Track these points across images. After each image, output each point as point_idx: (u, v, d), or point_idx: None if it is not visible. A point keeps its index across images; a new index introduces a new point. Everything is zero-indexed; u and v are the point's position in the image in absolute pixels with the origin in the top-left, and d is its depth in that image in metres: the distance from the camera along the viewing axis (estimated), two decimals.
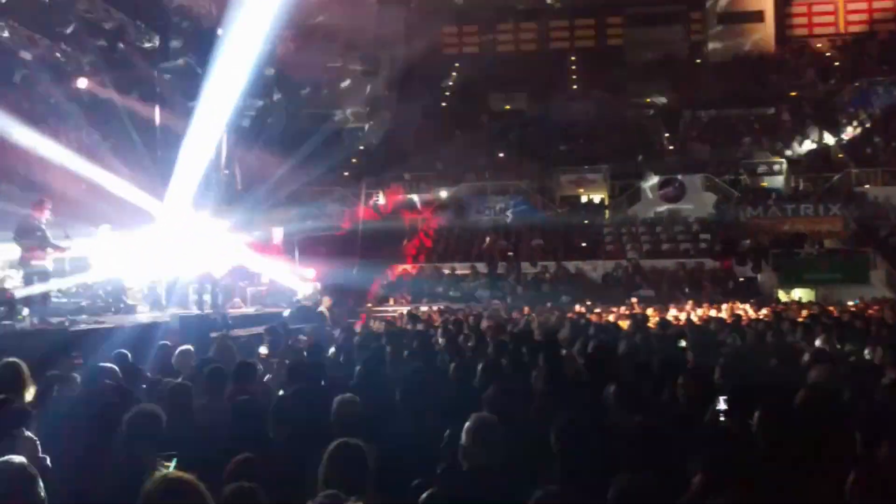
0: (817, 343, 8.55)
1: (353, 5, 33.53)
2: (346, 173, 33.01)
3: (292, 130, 33.80)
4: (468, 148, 34.71)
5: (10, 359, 5.38)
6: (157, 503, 2.74)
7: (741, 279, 23.80)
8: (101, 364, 6.64)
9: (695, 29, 40.45)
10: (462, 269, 25.29)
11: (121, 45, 16.91)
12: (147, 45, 17.76)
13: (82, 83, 17.69)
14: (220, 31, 18.99)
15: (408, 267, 25.84)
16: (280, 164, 27.26)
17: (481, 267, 25.35)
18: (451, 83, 40.40)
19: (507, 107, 37.82)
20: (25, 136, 14.18)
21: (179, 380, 6.25)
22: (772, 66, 36.16)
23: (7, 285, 11.59)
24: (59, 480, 3.87)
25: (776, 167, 30.29)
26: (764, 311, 15.84)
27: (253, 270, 17.25)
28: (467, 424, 3.89)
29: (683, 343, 8.86)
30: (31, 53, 16.29)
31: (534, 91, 37.36)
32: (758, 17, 38.13)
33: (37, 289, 11.00)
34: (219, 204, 18.95)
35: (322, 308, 15.72)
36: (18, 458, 3.21)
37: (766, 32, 38.04)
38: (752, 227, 26.49)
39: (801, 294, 22.15)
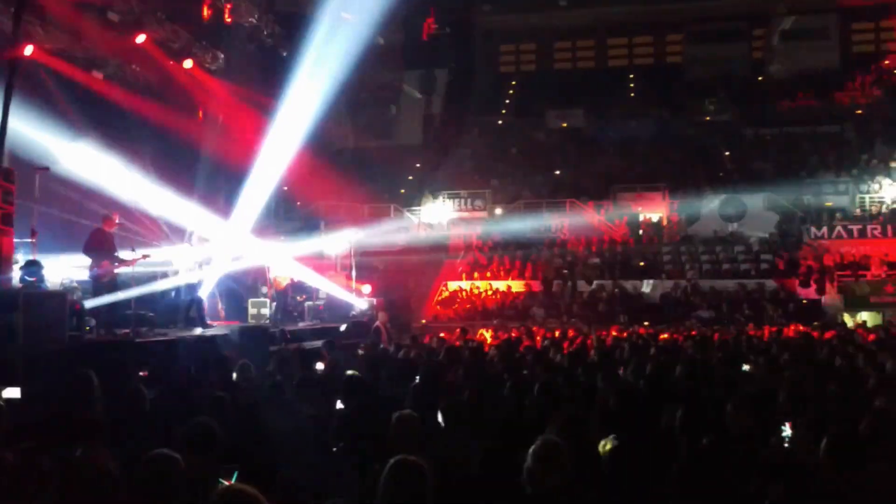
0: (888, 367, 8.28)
1: (411, 25, 33.89)
2: (403, 190, 33.28)
3: (352, 147, 34.37)
4: (524, 165, 34.72)
5: (82, 370, 5.56)
6: None
7: (804, 301, 23.20)
8: (168, 377, 6.80)
9: (757, 46, 39.80)
10: (517, 287, 25.21)
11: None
12: (212, 66, 18.24)
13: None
14: (283, 53, 19.48)
15: (462, 284, 25.86)
16: (339, 180, 27.65)
17: (536, 285, 25.24)
18: (507, 101, 40.47)
19: (564, 124, 37.69)
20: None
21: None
22: (837, 84, 35.32)
23: (76, 297, 11.97)
24: (127, 491, 3.95)
25: (841, 186, 29.51)
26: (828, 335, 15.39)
27: (310, 286, 17.49)
28: (533, 447, 3.85)
29: (747, 367, 8.66)
30: (102, 73, 16.84)
31: (591, 108, 37.17)
32: (822, 33, 37.34)
33: (104, 300, 11.33)
34: (278, 220, 19.32)
35: (378, 324, 15.85)
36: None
37: (830, 49, 37.22)
38: (816, 247, 25.82)
39: (866, 318, 21.48)
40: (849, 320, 21.09)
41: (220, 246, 14.92)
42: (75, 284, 12.38)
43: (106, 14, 15.75)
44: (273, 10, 20.43)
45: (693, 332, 14.28)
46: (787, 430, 4.63)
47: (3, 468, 4.14)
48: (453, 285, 25.78)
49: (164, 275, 13.22)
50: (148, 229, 14.85)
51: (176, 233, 14.54)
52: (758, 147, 33.90)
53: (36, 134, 12.87)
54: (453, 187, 32.00)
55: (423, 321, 22.54)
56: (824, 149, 32.11)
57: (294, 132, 17.82)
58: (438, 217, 30.83)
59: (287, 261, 16.95)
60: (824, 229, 26.60)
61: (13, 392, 6.51)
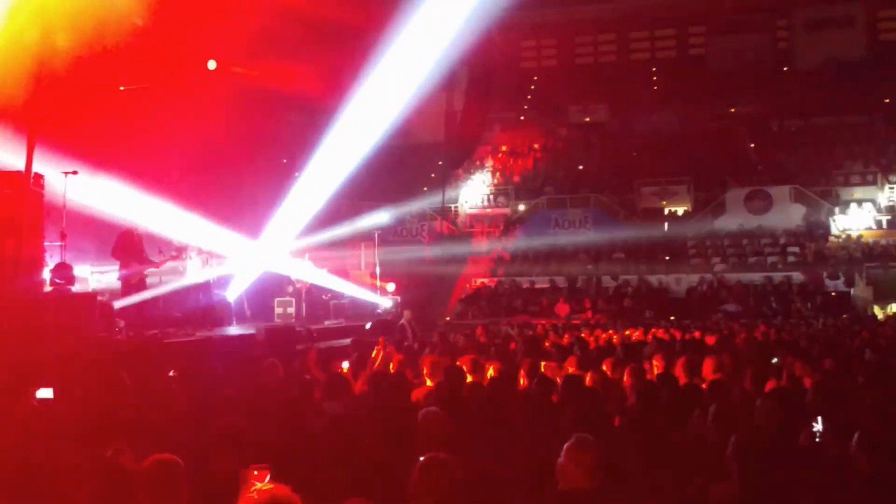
0: None
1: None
2: (425, 188, 33.29)
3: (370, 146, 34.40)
4: (548, 161, 34.62)
5: (116, 371, 5.63)
6: None
7: (832, 293, 22.92)
8: (196, 377, 6.86)
9: (781, 36, 39.34)
10: (541, 283, 25.15)
11: None
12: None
13: None
14: None
15: (486, 280, 25.84)
16: (362, 178, 27.71)
17: (560, 281, 25.15)
18: (529, 96, 40.33)
19: (587, 119, 37.51)
20: None
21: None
22: (864, 73, 34.80)
23: (105, 297, 12.13)
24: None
25: (869, 177, 29.12)
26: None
27: (334, 286, 17.59)
28: (566, 444, 3.84)
29: (775, 360, 8.57)
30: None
31: (614, 103, 36.97)
32: (848, 21, 36.81)
33: (132, 300, 11.47)
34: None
35: (403, 321, 15.87)
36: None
37: (856, 38, 36.68)
38: (844, 239, 25.51)
39: None
40: (879, 312, 20.83)
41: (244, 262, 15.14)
42: (104, 286, 12.54)
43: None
44: None
45: (725, 332, 14.06)
46: (818, 426, 4.59)
47: (36, 467, 4.21)
48: (477, 282, 25.78)
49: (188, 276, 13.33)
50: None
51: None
52: (784, 139, 33.53)
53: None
54: (476, 184, 31.99)
55: (447, 318, 22.57)
56: (851, 139, 31.67)
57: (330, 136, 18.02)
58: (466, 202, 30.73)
59: (308, 268, 17.09)
60: (853, 220, 26.27)
61: (46, 392, 6.60)
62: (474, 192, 31.76)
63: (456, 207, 31.14)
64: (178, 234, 14.14)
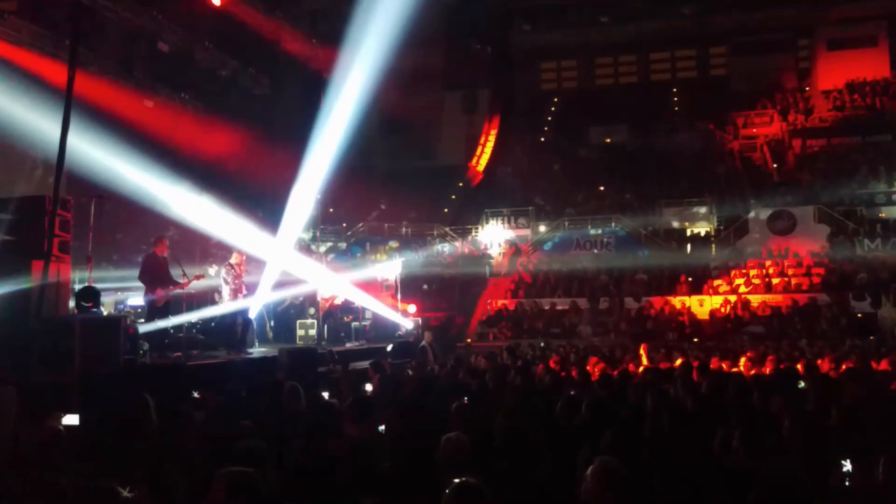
0: None
1: (453, 45, 34.16)
2: (446, 210, 33.40)
3: (393, 169, 34.64)
4: (568, 182, 34.60)
5: (139, 394, 5.68)
6: None
7: (858, 315, 22.60)
8: (220, 400, 6.89)
9: (802, 56, 39.23)
10: (562, 305, 25.04)
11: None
12: (258, 91, 18.62)
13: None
14: (325, 76, 19.78)
15: (506, 302, 25.78)
16: (382, 201, 27.89)
17: (582, 302, 25.03)
18: (549, 118, 40.45)
19: (608, 140, 37.52)
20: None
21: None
22: (886, 93, 34.58)
23: (129, 321, 12.25)
24: None
25: (894, 196, 28.81)
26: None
27: (356, 306, 17.62)
28: (592, 467, 3.83)
29: (803, 384, 8.44)
30: (152, 102, 17.34)
31: (635, 123, 36.96)
32: (870, 41, 36.66)
33: (157, 324, 11.57)
34: (321, 240, 19.52)
35: (424, 343, 15.88)
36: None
37: (879, 58, 36.48)
38: (870, 260, 25.20)
39: None
40: None
41: (270, 268, 15.15)
42: (129, 309, 12.66)
43: (156, 43, 16.24)
44: (315, 31, 20.80)
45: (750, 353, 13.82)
46: (847, 466, 4.47)
47: (58, 494, 4.24)
48: (498, 303, 25.72)
49: (213, 300, 13.43)
50: (198, 249, 15.14)
51: (224, 254, 14.82)
52: (806, 158, 33.31)
53: (90, 161, 13.26)
54: (496, 206, 32.05)
55: (468, 340, 22.51)
56: (875, 159, 31.39)
57: (336, 154, 18.05)
58: (490, 238, 30.73)
59: (337, 281, 17.11)
60: (878, 240, 25.96)
61: (72, 419, 6.67)
62: (495, 213, 31.79)
63: (476, 228, 31.16)
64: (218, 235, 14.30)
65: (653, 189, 32.03)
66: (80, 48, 13.19)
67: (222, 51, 17.28)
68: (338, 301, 16.60)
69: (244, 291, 13.01)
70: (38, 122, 13.09)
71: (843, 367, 10.34)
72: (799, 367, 10.24)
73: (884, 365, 10.57)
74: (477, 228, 31.14)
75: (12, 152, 15.05)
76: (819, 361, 11.25)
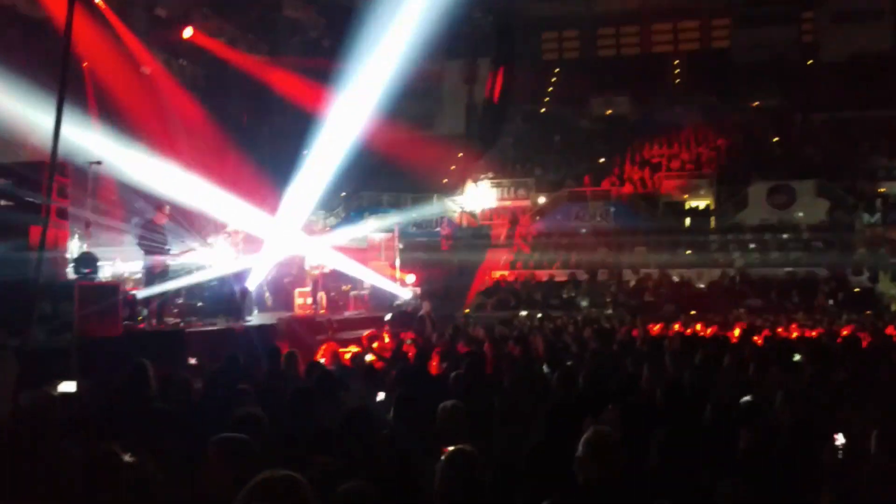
0: None
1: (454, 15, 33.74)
2: (446, 180, 33.26)
3: (392, 138, 34.40)
4: (568, 153, 34.46)
5: (139, 360, 5.69)
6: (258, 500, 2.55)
7: (856, 289, 22.67)
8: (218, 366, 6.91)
9: (806, 29, 38.87)
10: (561, 276, 25.06)
11: None
12: (258, 56, 18.47)
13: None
14: (326, 43, 19.61)
15: (505, 273, 25.80)
16: (381, 171, 27.77)
17: (581, 274, 25.06)
18: (550, 88, 40.16)
19: (609, 111, 37.29)
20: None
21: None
22: (890, 66, 34.29)
23: (129, 287, 12.27)
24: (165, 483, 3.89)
25: (895, 171, 28.73)
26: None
27: (353, 275, 17.62)
28: (585, 436, 3.83)
29: (798, 357, 8.43)
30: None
31: (636, 95, 36.72)
32: (875, 14, 36.26)
33: (156, 290, 11.58)
34: (322, 209, 19.47)
35: (423, 313, 15.91)
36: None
37: (883, 30, 36.14)
38: (869, 234, 25.21)
39: None
40: None
41: (266, 241, 15.17)
42: (127, 275, 12.66)
43: (153, 10, 16.06)
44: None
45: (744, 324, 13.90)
46: (840, 439, 4.51)
47: (59, 458, 4.22)
48: (497, 275, 25.75)
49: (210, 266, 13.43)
50: (194, 223, 15.08)
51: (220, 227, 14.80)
52: (808, 133, 33.15)
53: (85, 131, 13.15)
54: (497, 176, 31.93)
55: (467, 311, 22.57)
56: (877, 134, 31.24)
57: (340, 125, 17.95)
58: (480, 203, 30.72)
59: (325, 251, 17.04)
60: (878, 215, 25.96)
61: (69, 386, 6.70)
62: (494, 184, 31.70)
63: (476, 199, 31.09)
64: (211, 211, 14.29)
65: (653, 161, 31.90)
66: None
67: (220, 16, 17.12)
68: (326, 270, 16.48)
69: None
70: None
71: (839, 340, 10.40)
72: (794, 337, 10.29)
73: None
74: (474, 196, 31.02)
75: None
76: (814, 333, 11.32)
